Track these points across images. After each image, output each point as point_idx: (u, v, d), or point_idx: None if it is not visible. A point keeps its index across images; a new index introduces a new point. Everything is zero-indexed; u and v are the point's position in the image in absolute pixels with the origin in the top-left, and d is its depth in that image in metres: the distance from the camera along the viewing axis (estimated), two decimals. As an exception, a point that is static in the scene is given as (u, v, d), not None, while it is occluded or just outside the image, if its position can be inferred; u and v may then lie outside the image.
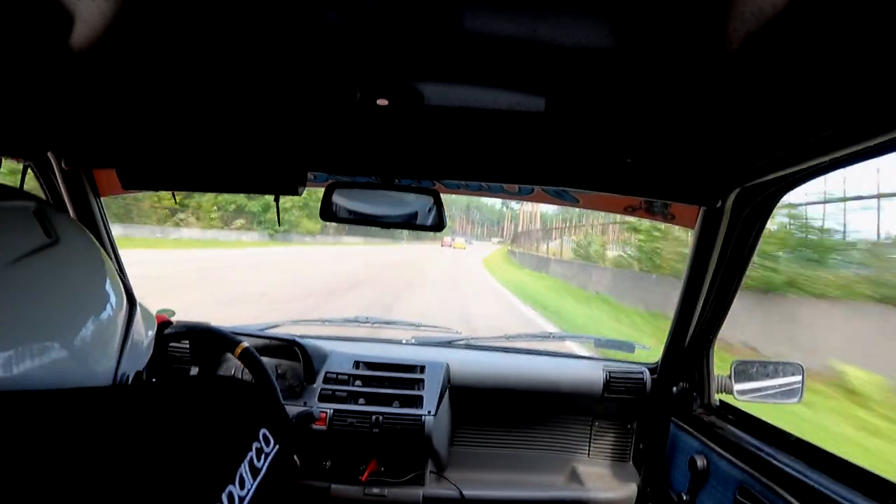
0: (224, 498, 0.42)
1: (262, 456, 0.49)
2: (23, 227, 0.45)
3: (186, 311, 1.56)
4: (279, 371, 1.51)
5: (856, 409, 4.48)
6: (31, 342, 0.42)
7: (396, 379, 1.52)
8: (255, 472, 0.47)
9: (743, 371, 1.30)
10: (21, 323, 0.42)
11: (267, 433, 0.51)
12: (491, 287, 13.16)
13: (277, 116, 1.04)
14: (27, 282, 0.43)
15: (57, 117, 1.03)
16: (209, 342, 1.11)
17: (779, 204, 1.10)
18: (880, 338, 4.92)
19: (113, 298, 0.50)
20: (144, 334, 0.57)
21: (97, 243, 0.52)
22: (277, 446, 0.52)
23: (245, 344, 1.05)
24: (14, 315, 0.41)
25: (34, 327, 0.43)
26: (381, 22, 0.64)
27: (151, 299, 0.84)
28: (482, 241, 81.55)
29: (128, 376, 0.52)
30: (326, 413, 1.42)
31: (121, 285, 0.53)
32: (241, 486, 0.44)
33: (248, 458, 0.47)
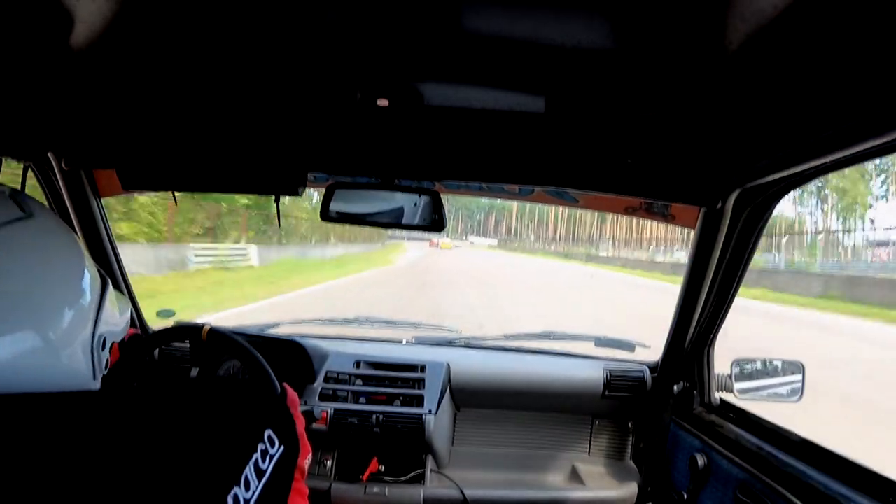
0: (229, 500, 0.42)
1: (268, 457, 0.49)
2: None
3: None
4: (279, 371, 1.51)
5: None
6: (5, 309, 0.43)
7: (397, 378, 1.52)
8: (260, 473, 0.47)
9: (743, 369, 1.30)
10: None
11: (272, 434, 0.51)
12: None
13: (278, 117, 1.04)
14: (2, 249, 0.44)
15: (57, 117, 1.03)
16: (176, 338, 1.11)
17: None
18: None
19: (85, 271, 0.52)
20: (118, 309, 0.59)
21: (66, 225, 0.54)
22: (283, 447, 0.52)
23: (209, 325, 1.05)
24: None
25: (8, 295, 0.44)
26: (381, 22, 0.64)
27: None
28: (453, 240, 64.27)
29: (104, 339, 0.54)
30: (327, 412, 1.43)
31: (93, 263, 0.55)
32: (247, 488, 0.44)
33: (254, 459, 0.47)
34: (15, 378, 0.43)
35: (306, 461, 0.73)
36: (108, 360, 0.55)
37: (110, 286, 0.57)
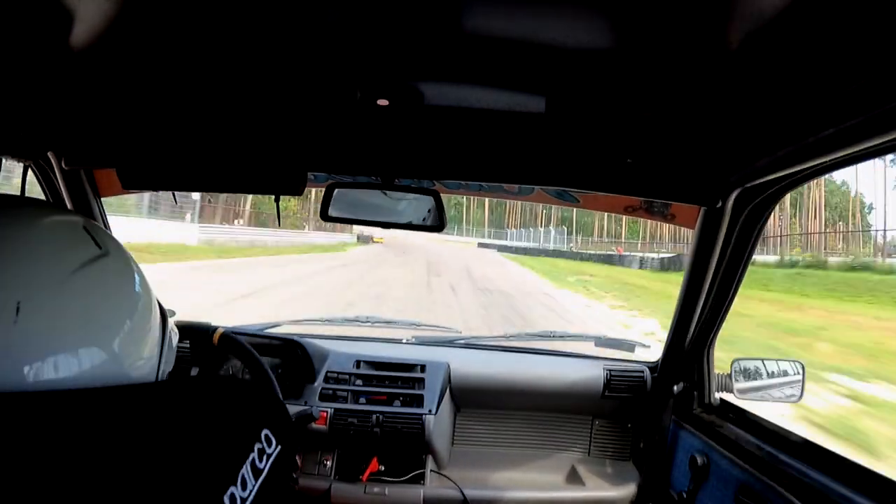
0: (226, 499, 0.42)
1: (265, 457, 0.49)
2: (78, 240, 0.49)
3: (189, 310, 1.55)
4: (279, 371, 1.51)
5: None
6: (89, 343, 0.46)
7: (397, 378, 1.52)
8: (256, 472, 0.47)
9: (743, 370, 1.30)
10: (82, 326, 0.46)
11: (269, 433, 0.51)
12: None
13: (278, 116, 1.04)
14: (86, 289, 0.47)
15: (57, 117, 1.03)
16: (188, 337, 1.11)
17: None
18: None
19: (154, 306, 0.55)
20: (175, 340, 0.62)
21: (131, 256, 0.56)
22: (280, 447, 0.52)
23: (222, 329, 1.05)
24: (77, 319, 0.46)
25: (93, 330, 0.46)
26: (381, 22, 0.64)
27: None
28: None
29: (166, 373, 0.57)
30: (327, 412, 1.43)
31: (154, 295, 0.57)
32: (244, 488, 0.45)
33: (251, 458, 0.47)
34: None
35: None
36: None
37: (170, 318, 0.60)
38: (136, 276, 0.53)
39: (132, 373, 0.49)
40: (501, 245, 42.64)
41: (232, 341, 1.05)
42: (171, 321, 0.60)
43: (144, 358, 0.52)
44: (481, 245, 43.92)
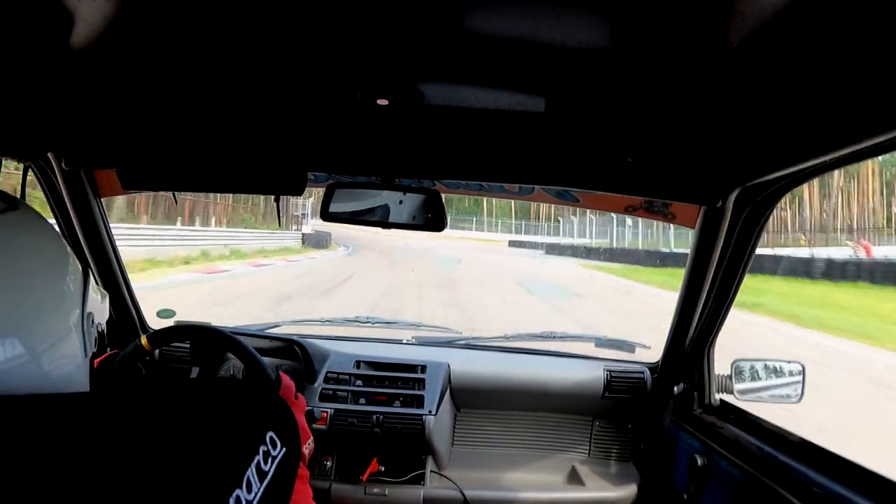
0: (231, 502, 0.42)
1: (270, 459, 0.49)
2: None
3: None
4: (279, 371, 1.51)
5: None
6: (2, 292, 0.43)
7: (397, 378, 1.52)
8: (262, 475, 0.47)
9: (743, 370, 1.30)
10: None
11: (274, 436, 0.51)
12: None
13: (278, 116, 1.04)
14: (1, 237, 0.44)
15: (57, 117, 1.03)
16: (137, 359, 1.15)
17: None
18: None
19: (70, 260, 0.53)
20: (100, 294, 0.60)
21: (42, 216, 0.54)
22: (285, 449, 0.52)
23: (144, 335, 1.12)
24: None
25: (9, 279, 0.44)
26: (381, 22, 0.64)
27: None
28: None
29: (92, 316, 0.55)
30: (327, 413, 1.43)
31: (72, 253, 0.55)
32: (249, 490, 0.44)
33: (256, 461, 0.47)
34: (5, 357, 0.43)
35: (307, 446, 0.73)
36: (96, 338, 0.56)
37: (90, 273, 0.58)
38: (50, 229, 0.51)
39: (46, 318, 0.46)
40: (552, 244, 26.35)
41: (164, 333, 1.10)
42: (94, 283, 0.58)
43: (63, 308, 0.49)
44: (513, 244, 30.00)
